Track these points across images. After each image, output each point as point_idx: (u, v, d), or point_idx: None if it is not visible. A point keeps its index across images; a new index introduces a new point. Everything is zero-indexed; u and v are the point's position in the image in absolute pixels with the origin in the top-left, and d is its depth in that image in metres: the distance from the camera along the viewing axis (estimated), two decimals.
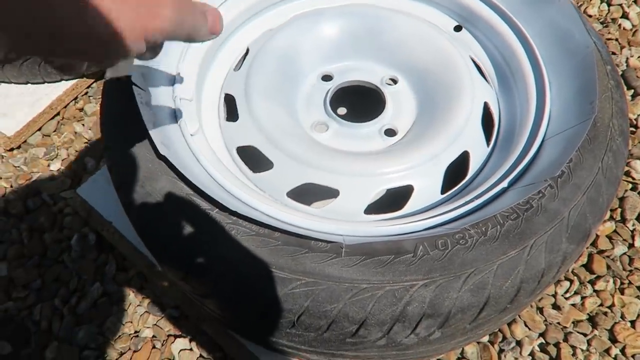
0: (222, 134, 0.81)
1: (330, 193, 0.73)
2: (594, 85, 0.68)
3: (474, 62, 0.86)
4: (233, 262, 0.57)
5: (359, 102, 1.01)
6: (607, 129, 0.67)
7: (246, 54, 0.89)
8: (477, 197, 0.65)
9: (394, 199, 0.74)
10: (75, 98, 1.33)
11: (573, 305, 0.91)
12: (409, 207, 0.71)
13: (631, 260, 0.95)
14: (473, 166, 0.76)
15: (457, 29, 0.92)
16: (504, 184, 0.65)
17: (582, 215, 0.60)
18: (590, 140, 0.65)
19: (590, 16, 1.33)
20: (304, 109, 0.87)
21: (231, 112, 0.83)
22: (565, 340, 0.87)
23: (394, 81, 0.89)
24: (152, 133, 0.65)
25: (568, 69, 0.74)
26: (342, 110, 1.10)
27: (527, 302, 0.64)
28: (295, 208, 0.72)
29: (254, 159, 0.77)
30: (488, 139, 0.79)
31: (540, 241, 0.58)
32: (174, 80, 0.76)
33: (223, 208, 0.59)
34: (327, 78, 0.90)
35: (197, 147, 0.69)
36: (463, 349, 0.86)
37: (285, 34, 0.88)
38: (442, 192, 0.73)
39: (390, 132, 0.83)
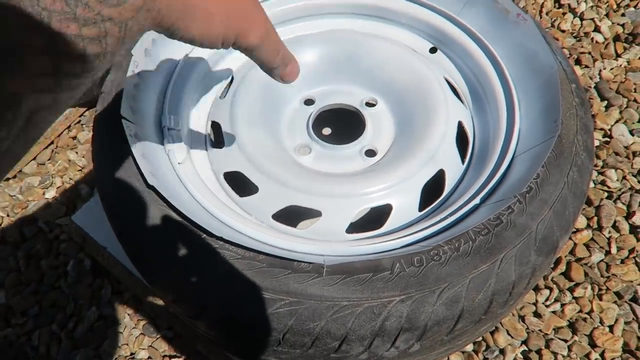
0: (210, 161, 0.85)
1: (313, 214, 0.76)
2: (557, 103, 0.72)
3: (449, 82, 0.90)
4: (220, 285, 0.60)
5: (340, 125, 1.05)
6: (572, 145, 0.71)
7: (231, 82, 0.93)
8: (450, 214, 0.68)
9: (374, 218, 0.78)
10: (69, 127, 1.36)
11: (553, 312, 0.94)
12: (388, 225, 0.75)
13: (608, 266, 0.98)
14: (449, 184, 0.79)
15: (432, 51, 0.96)
16: (477, 200, 0.69)
17: (550, 228, 0.64)
18: (556, 156, 0.68)
19: (563, 31, 1.38)
20: (287, 133, 0.90)
21: (218, 139, 0.86)
22: (547, 347, 0.90)
23: (373, 103, 0.93)
24: (141, 163, 0.68)
25: (534, 88, 0.78)
26: (327, 131, 1.14)
27: (502, 313, 0.67)
28: (280, 230, 0.75)
29: (240, 184, 0.81)
30: (463, 157, 0.82)
31: (510, 255, 0.61)
32: (161, 110, 0.79)
33: (210, 233, 0.63)
34: (309, 102, 0.94)
35: (184, 175, 0.73)
36: (448, 358, 0.89)
37: None
38: (420, 210, 0.77)
39: (370, 153, 0.86)
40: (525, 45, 0.82)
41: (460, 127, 0.84)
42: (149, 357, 0.96)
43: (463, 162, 0.82)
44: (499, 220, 0.63)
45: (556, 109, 0.72)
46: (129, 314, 1.02)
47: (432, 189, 0.79)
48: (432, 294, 0.58)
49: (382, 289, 0.58)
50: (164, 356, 0.96)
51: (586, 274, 0.97)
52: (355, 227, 0.77)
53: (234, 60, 0.96)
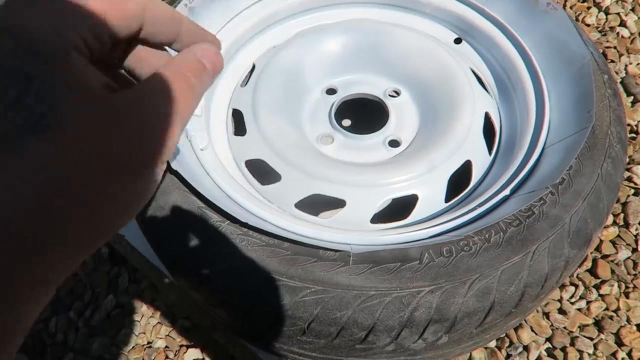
0: (231, 148, 0.83)
1: (337, 203, 0.75)
2: (591, 94, 0.70)
3: (475, 73, 0.88)
4: (244, 272, 0.59)
5: (363, 115, 1.04)
6: (605, 136, 0.69)
7: (252, 70, 0.92)
8: (480, 205, 0.66)
9: (399, 208, 0.76)
10: None
11: (579, 309, 0.92)
12: (414, 215, 0.73)
13: (635, 264, 0.96)
14: (476, 175, 0.78)
15: (457, 41, 0.94)
16: (506, 191, 0.67)
17: (583, 220, 0.62)
18: (589, 148, 0.66)
19: (588, 25, 1.36)
20: (309, 122, 0.89)
21: (239, 126, 0.85)
22: (572, 344, 0.88)
23: (397, 93, 0.91)
24: None
25: (566, 79, 0.76)
26: (346, 122, 1.13)
27: (532, 307, 0.65)
28: (304, 219, 0.74)
29: (262, 172, 0.80)
30: (490, 148, 0.81)
31: (542, 247, 0.59)
32: None
33: (234, 220, 0.62)
34: (331, 91, 0.93)
35: (207, 161, 0.72)
36: (470, 354, 0.87)
37: (289, 50, 0.91)
38: (446, 201, 0.75)
39: (394, 143, 0.85)
40: (555, 35, 0.80)
41: (487, 118, 0.83)
42: (166, 347, 0.96)
43: (490, 153, 0.80)
44: (531, 211, 0.61)
45: (589, 99, 0.70)
46: (146, 303, 1.01)
47: (459, 180, 0.78)
48: (462, 285, 0.57)
49: (411, 279, 0.57)
50: (182, 346, 0.95)
51: (613, 272, 0.95)
52: (379, 218, 0.75)
53: (256, 48, 0.95)
